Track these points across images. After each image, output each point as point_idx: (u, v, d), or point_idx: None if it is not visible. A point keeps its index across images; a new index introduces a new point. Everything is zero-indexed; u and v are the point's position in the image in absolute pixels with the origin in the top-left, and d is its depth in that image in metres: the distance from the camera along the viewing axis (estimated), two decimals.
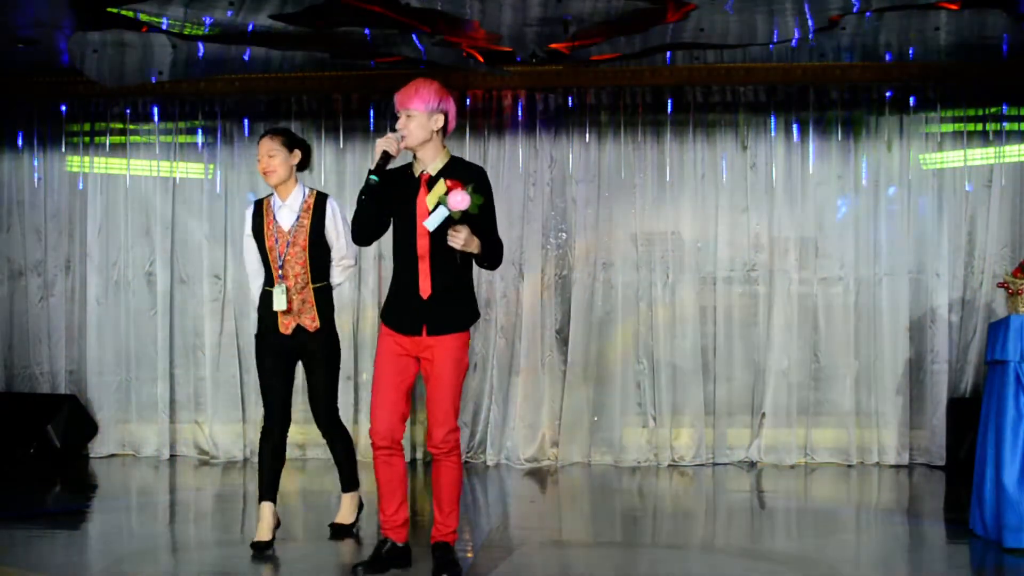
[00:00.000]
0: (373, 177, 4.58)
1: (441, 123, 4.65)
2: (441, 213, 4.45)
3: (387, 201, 4.69)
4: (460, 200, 4.42)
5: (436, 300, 4.65)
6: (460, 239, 4.49)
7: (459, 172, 4.65)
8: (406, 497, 4.86)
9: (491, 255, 4.72)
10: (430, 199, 4.49)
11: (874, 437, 8.01)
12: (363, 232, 4.74)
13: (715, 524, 6.45)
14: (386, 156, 4.59)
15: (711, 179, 8.20)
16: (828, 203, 8.16)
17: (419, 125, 4.61)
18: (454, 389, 4.70)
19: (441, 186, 4.47)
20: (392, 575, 4.80)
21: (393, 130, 4.69)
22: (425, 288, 4.64)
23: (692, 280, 8.14)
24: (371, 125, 8.32)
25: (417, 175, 4.69)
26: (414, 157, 4.73)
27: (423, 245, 4.62)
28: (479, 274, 8.12)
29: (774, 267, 8.12)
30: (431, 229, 4.50)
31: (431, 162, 4.67)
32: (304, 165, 5.49)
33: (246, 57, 7.76)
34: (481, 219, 4.58)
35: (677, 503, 7.05)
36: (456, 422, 4.74)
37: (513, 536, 5.86)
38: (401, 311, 4.72)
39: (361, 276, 8.13)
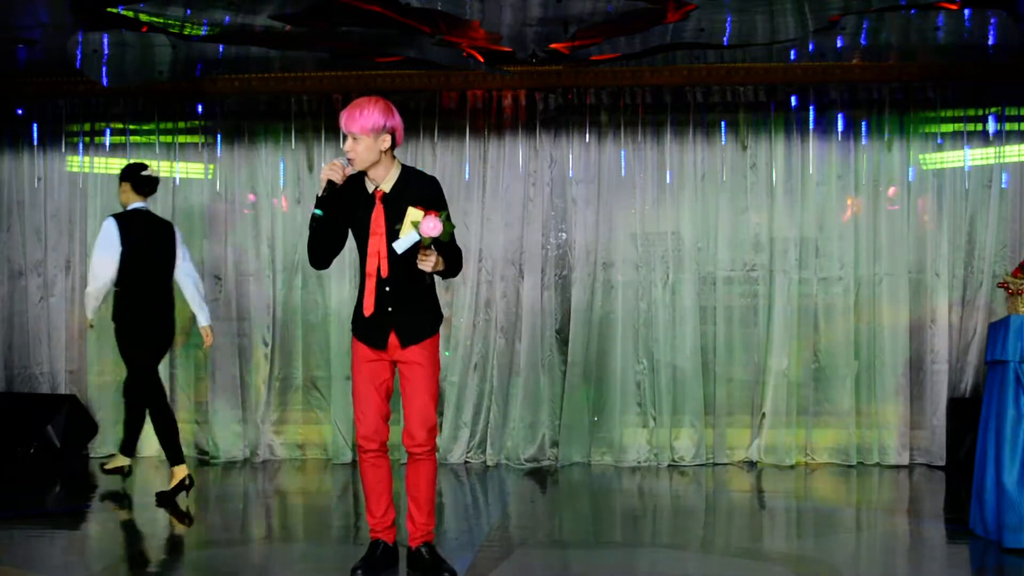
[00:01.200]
0: (318, 211, 4.64)
1: (388, 143, 4.64)
2: (412, 238, 4.46)
3: (343, 216, 4.72)
4: (432, 227, 4.41)
5: (398, 314, 4.69)
6: (430, 263, 4.52)
7: (414, 184, 4.68)
8: (392, 499, 4.89)
9: (452, 266, 4.76)
10: (404, 224, 4.47)
11: (874, 437, 8.01)
12: (316, 257, 4.83)
13: (715, 524, 6.45)
14: (331, 185, 4.61)
15: (711, 179, 8.20)
16: (828, 203, 8.16)
17: (366, 148, 4.60)
18: (431, 387, 4.75)
19: (416, 213, 4.46)
20: None
21: (340, 155, 4.70)
22: (383, 305, 4.68)
23: (692, 280, 8.14)
24: None
25: (371, 192, 4.71)
26: (365, 175, 4.72)
27: (372, 264, 4.67)
28: (479, 274, 8.15)
29: (774, 267, 8.12)
30: (399, 251, 4.51)
31: (383, 178, 4.69)
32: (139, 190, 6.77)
33: (246, 57, 7.75)
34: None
35: (677, 503, 7.05)
36: (435, 420, 4.78)
37: (513, 536, 5.86)
38: (367, 328, 4.76)
39: None
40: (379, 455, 4.79)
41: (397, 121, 4.67)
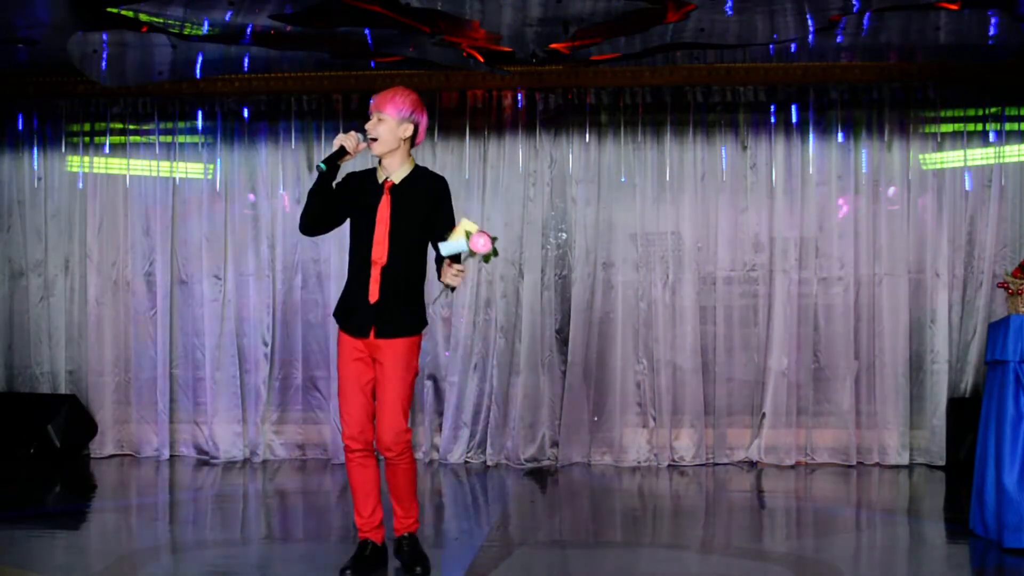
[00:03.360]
0: (322, 165, 4.64)
1: (410, 133, 4.71)
2: (460, 247, 4.42)
3: (348, 203, 4.76)
4: (483, 245, 4.39)
5: (385, 305, 4.69)
6: (460, 279, 4.49)
7: (423, 181, 4.75)
8: (379, 498, 4.90)
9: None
10: (456, 231, 4.44)
11: (874, 437, 8.01)
12: (308, 222, 4.78)
13: (715, 524, 6.45)
14: (342, 151, 4.64)
15: (711, 179, 8.20)
16: (828, 203, 8.16)
17: (388, 130, 4.67)
18: (404, 391, 4.73)
19: (470, 224, 4.44)
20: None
21: (360, 130, 4.72)
22: (374, 293, 4.69)
23: (692, 280, 8.14)
24: None
25: (380, 182, 4.75)
26: (379, 163, 4.78)
27: (378, 252, 4.68)
28: (479, 273, 8.14)
29: (774, 267, 8.12)
30: (444, 254, 4.48)
31: (396, 170, 4.74)
32: None
33: (246, 57, 7.75)
34: (445, 227, 4.55)
35: (677, 503, 7.05)
36: (407, 423, 4.76)
37: (513, 536, 5.86)
38: (351, 314, 4.78)
39: None
40: (365, 455, 4.80)
41: (424, 118, 4.77)
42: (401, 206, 4.69)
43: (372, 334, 4.71)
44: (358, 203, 4.75)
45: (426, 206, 4.71)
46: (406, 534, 4.93)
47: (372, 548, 4.88)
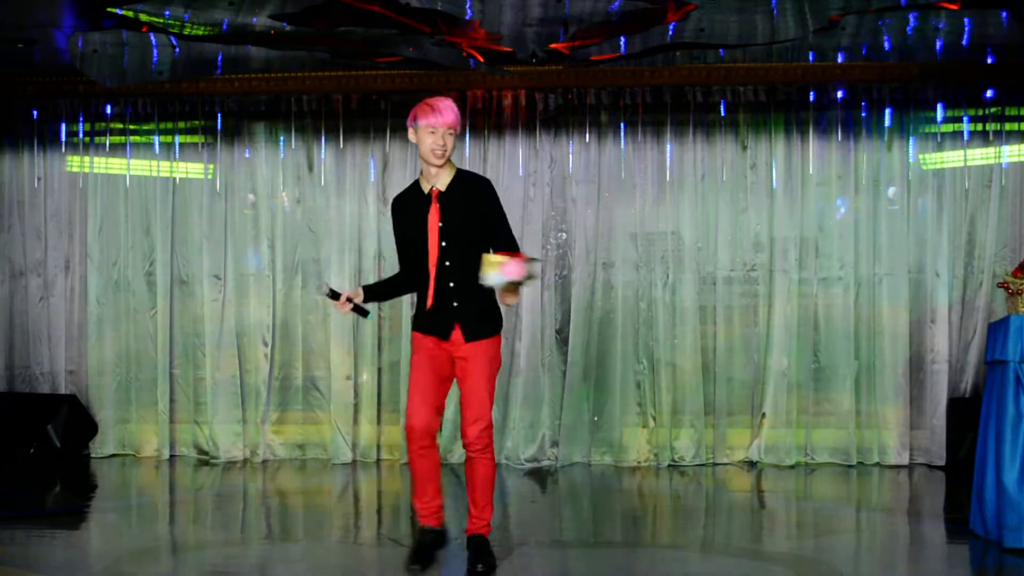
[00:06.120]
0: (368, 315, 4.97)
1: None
2: (497, 280, 4.59)
3: (406, 227, 4.90)
4: (518, 272, 4.57)
5: (464, 307, 4.82)
6: (515, 299, 4.77)
7: (467, 183, 4.88)
8: (440, 486, 5.03)
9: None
10: (483, 266, 4.60)
11: (874, 437, 8.01)
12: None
13: (715, 524, 6.45)
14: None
15: (711, 179, 8.20)
16: (828, 203, 8.16)
17: (454, 141, 4.84)
18: (488, 386, 4.86)
19: (495, 258, 4.59)
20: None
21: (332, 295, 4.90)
22: (430, 300, 4.82)
23: (692, 280, 8.14)
24: (371, 125, 8.33)
25: (427, 191, 4.87)
26: (420, 174, 4.92)
27: (432, 259, 4.80)
28: None
29: (774, 267, 8.12)
30: (489, 285, 4.64)
31: (443, 177, 4.86)
32: None
33: (246, 57, 7.75)
34: (497, 226, 4.85)
35: (677, 503, 7.05)
36: (490, 418, 4.87)
37: (513, 536, 5.85)
38: (431, 317, 4.87)
39: (362, 276, 8.13)
40: (429, 447, 4.88)
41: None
42: (451, 210, 4.81)
43: (453, 338, 4.84)
44: (409, 219, 4.88)
45: (476, 207, 4.84)
46: (477, 535, 5.00)
47: (432, 534, 5.02)
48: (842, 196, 8.16)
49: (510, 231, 4.94)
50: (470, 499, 4.99)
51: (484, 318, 4.88)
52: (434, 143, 4.77)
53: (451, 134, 4.79)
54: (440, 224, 4.80)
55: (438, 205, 4.82)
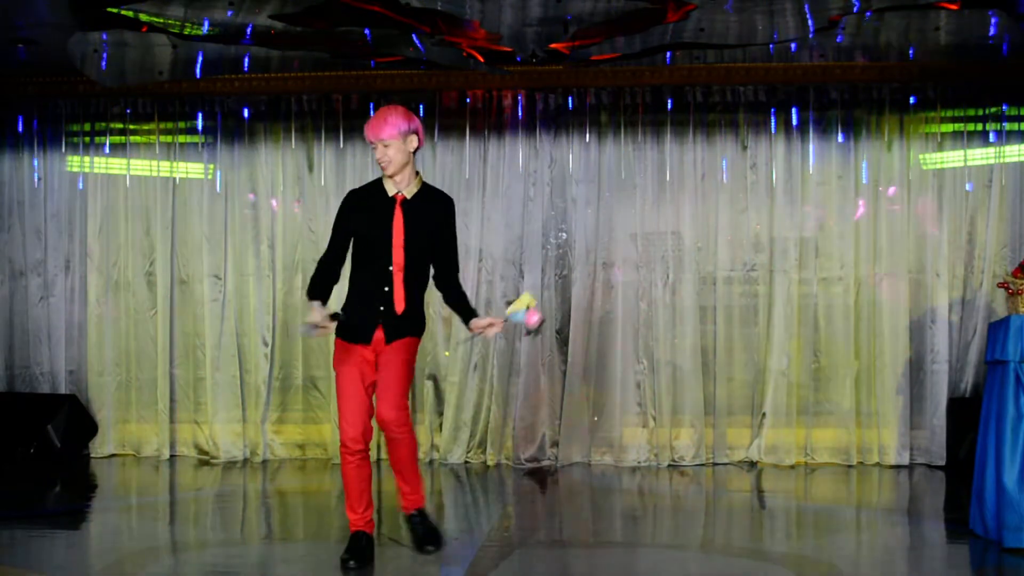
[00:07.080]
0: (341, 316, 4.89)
1: (415, 143, 4.87)
2: (519, 316, 4.82)
3: (356, 222, 4.92)
4: (536, 321, 4.83)
5: (392, 313, 4.86)
6: (492, 334, 4.94)
7: (432, 199, 4.94)
8: (371, 495, 5.05)
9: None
10: (519, 301, 4.87)
11: (874, 437, 8.01)
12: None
13: (715, 524, 6.45)
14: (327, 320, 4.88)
15: (711, 179, 8.20)
16: (828, 203, 8.16)
17: (397, 151, 4.82)
18: (407, 374, 4.92)
19: (532, 299, 4.89)
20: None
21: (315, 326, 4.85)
22: (399, 303, 4.86)
23: (692, 280, 8.14)
24: None
25: (391, 195, 4.89)
26: (384, 176, 4.92)
27: (399, 264, 4.84)
28: (479, 274, 8.15)
29: (774, 267, 8.12)
30: (513, 320, 4.86)
31: (407, 185, 4.90)
32: None
33: (246, 57, 7.75)
34: (446, 246, 4.94)
35: (677, 503, 7.05)
36: (406, 401, 4.92)
37: (513, 536, 5.86)
38: (361, 322, 4.88)
39: None
40: (364, 457, 4.93)
41: (418, 122, 4.91)
42: (413, 220, 4.85)
43: (381, 339, 4.86)
44: (368, 218, 4.89)
45: (434, 223, 4.90)
46: (415, 510, 5.10)
47: (366, 538, 5.04)
48: (842, 196, 8.14)
49: (456, 256, 5.02)
50: (399, 478, 5.03)
51: (408, 322, 4.90)
52: (376, 156, 4.84)
53: (387, 146, 4.79)
54: (403, 229, 4.84)
55: (402, 211, 4.85)
